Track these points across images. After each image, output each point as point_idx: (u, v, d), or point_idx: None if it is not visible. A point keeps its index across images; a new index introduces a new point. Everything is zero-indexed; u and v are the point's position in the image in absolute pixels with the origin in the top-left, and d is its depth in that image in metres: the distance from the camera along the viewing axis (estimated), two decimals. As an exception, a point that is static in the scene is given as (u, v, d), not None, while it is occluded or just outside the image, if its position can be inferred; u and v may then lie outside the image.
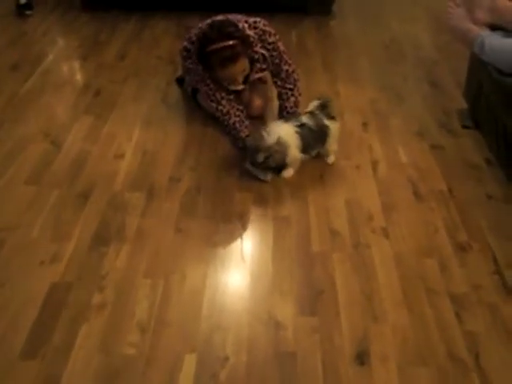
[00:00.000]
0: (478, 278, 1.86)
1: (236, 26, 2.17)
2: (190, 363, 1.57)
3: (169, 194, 2.18)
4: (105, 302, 1.74)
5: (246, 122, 2.40)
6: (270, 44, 2.32)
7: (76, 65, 3.17)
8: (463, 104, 2.68)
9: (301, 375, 1.55)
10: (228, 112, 2.36)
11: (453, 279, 1.85)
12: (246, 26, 2.26)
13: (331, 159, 2.36)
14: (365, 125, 2.63)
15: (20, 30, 3.46)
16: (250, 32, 2.26)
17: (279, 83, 2.45)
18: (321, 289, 1.80)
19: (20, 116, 2.62)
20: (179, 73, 2.83)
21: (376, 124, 2.64)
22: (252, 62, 2.31)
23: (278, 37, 2.34)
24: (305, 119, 2.22)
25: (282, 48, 2.37)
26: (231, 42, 2.10)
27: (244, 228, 2.04)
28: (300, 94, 2.47)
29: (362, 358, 1.59)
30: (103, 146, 2.44)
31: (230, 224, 2.06)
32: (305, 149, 2.22)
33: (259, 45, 2.30)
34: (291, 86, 2.44)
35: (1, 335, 1.63)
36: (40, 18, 3.63)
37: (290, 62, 2.41)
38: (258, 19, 2.32)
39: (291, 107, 2.45)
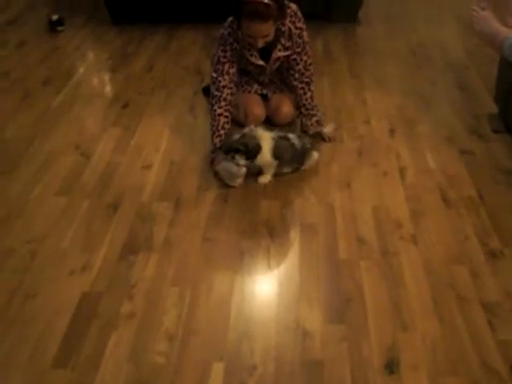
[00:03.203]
0: (511, 285, 1.81)
1: None
2: (218, 372, 1.57)
3: (197, 203, 2.20)
4: (134, 310, 1.76)
5: (224, 131, 2.32)
6: (297, 29, 2.31)
7: (105, 77, 3.24)
8: (494, 108, 2.63)
9: (329, 384, 1.54)
10: (218, 99, 2.31)
11: (485, 287, 1.81)
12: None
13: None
14: (392, 131, 2.60)
15: (52, 46, 3.56)
16: None
17: (296, 76, 2.42)
18: (348, 297, 1.79)
19: (52, 129, 2.69)
20: (206, 83, 2.86)
21: (403, 130, 2.61)
22: (278, 35, 2.27)
23: (305, 26, 2.33)
24: (291, 136, 2.26)
25: (306, 38, 2.36)
26: (267, 1, 2.06)
27: (271, 236, 2.04)
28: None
29: (391, 367, 1.57)
30: (131, 157, 2.48)
31: (256, 232, 2.06)
32: (278, 157, 2.22)
33: (288, 19, 2.27)
34: (308, 80, 2.43)
35: (34, 344, 1.66)
36: (71, 33, 3.72)
37: (310, 53, 2.40)
38: (292, 3, 2.30)
39: (309, 103, 2.46)
